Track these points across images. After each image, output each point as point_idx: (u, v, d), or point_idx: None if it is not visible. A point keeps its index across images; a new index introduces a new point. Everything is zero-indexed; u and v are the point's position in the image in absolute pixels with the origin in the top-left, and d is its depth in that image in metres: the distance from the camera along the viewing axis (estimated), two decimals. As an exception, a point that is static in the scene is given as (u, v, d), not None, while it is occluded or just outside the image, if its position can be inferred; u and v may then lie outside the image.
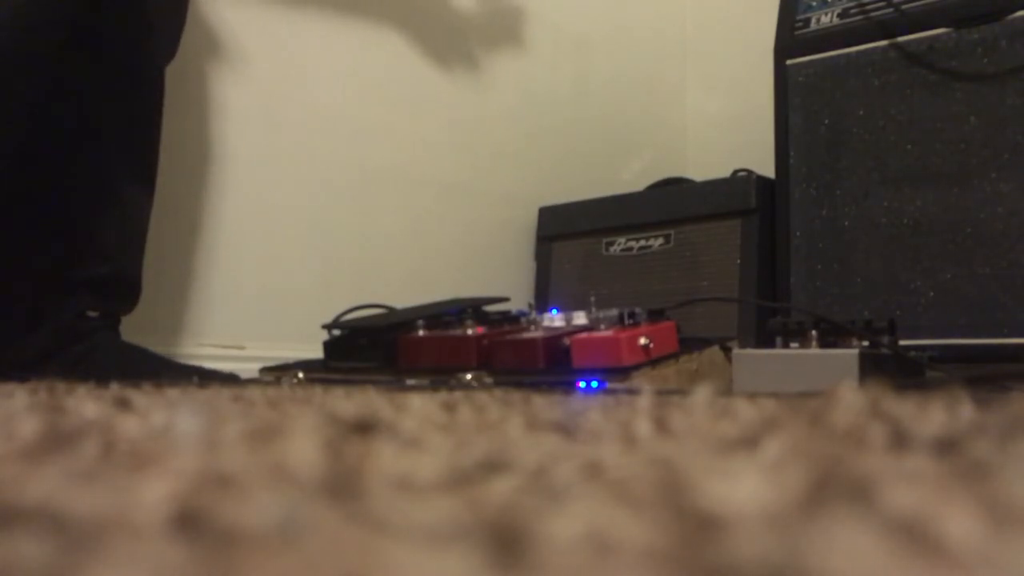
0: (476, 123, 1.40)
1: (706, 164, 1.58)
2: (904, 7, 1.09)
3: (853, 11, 1.14)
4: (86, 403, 0.32)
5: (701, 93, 1.75)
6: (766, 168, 1.23)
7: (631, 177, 1.59)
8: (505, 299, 1.03)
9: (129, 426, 0.24)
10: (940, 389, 0.32)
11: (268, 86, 1.15)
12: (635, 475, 0.17)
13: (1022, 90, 1.01)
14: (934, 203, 1.06)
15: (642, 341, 0.79)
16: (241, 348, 1.08)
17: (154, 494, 0.14)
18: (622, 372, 0.77)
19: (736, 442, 0.21)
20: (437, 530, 0.13)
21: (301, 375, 0.83)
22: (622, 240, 1.32)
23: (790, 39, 1.19)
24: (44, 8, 0.76)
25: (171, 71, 0.91)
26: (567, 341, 0.81)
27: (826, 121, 1.15)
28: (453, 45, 1.38)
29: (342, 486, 0.16)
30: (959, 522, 0.12)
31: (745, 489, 0.15)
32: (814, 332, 0.78)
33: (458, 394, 0.44)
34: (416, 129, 1.32)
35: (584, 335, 0.81)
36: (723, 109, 1.69)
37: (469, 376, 0.74)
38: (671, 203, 1.30)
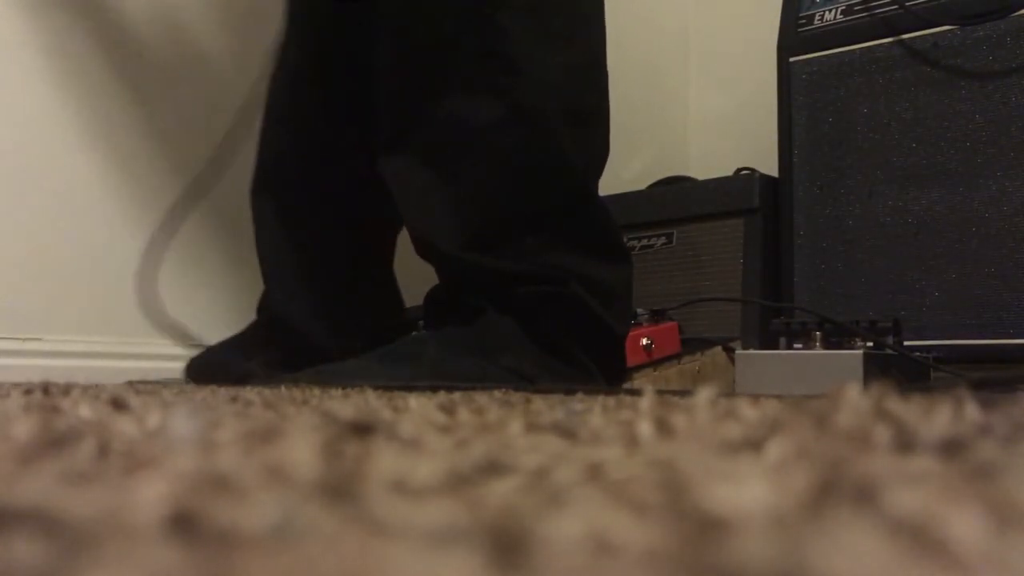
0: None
1: (709, 162, 1.58)
2: (909, 4, 1.08)
3: (857, 8, 1.14)
4: (81, 404, 0.32)
5: (704, 91, 1.74)
6: (769, 167, 1.23)
7: (632, 176, 1.59)
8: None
9: (125, 427, 0.24)
10: (945, 390, 0.32)
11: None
12: (637, 477, 0.17)
13: (1027, 88, 1.00)
14: (939, 202, 1.05)
15: (643, 342, 0.79)
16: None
17: (150, 495, 0.14)
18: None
19: (739, 444, 0.20)
20: (436, 532, 0.12)
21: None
22: (624, 239, 1.32)
23: (793, 36, 1.19)
24: None
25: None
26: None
27: (830, 119, 1.15)
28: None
29: (340, 488, 0.16)
30: (965, 524, 0.12)
31: (749, 491, 0.14)
32: (818, 333, 0.78)
33: (457, 395, 0.44)
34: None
35: (586, 335, 0.80)
36: (726, 107, 1.69)
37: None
38: (673, 202, 1.30)
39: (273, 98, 0.88)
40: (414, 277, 0.87)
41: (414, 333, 0.76)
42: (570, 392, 0.43)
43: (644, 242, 1.30)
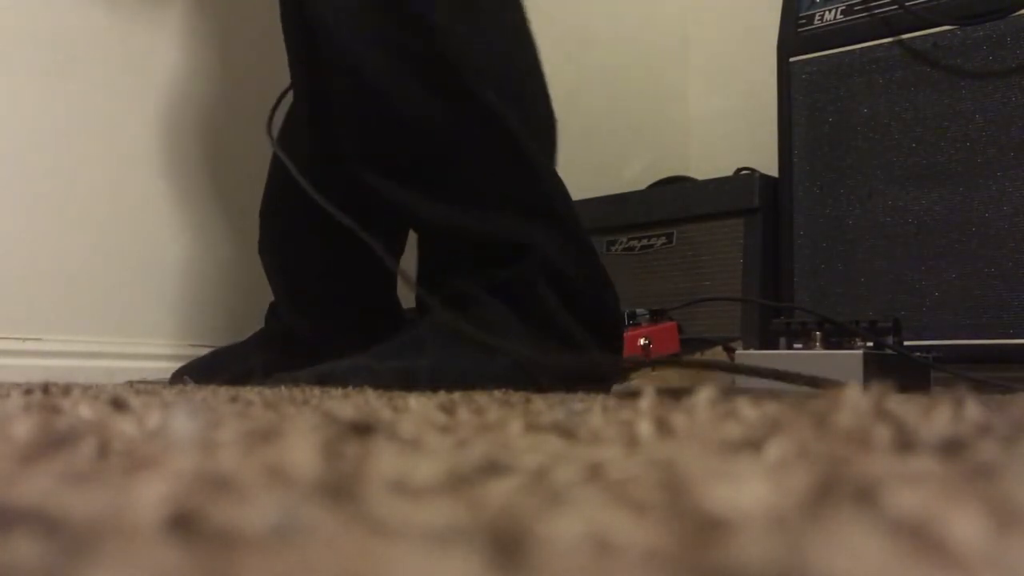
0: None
1: (709, 162, 1.58)
2: (909, 4, 1.08)
3: (857, 8, 1.14)
4: (81, 404, 0.32)
5: (703, 91, 1.74)
6: (769, 167, 1.23)
7: (633, 175, 1.59)
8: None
9: (125, 427, 0.24)
10: (945, 390, 0.32)
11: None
12: (637, 477, 0.17)
13: (1027, 88, 1.00)
14: (939, 202, 1.05)
15: (641, 341, 0.79)
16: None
17: (150, 495, 0.14)
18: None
19: (739, 444, 0.20)
20: (436, 532, 0.12)
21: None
22: (624, 239, 1.32)
23: (793, 36, 1.19)
24: None
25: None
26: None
27: (830, 119, 1.15)
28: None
29: (340, 488, 0.16)
30: (964, 524, 0.12)
31: (749, 491, 0.14)
32: (818, 333, 0.78)
33: (457, 395, 0.44)
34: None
35: (585, 335, 0.80)
36: (726, 107, 1.69)
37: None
38: (673, 202, 1.30)
39: (286, 130, 0.89)
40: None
41: (412, 331, 0.77)
42: (571, 387, 0.43)
43: (644, 242, 1.30)
